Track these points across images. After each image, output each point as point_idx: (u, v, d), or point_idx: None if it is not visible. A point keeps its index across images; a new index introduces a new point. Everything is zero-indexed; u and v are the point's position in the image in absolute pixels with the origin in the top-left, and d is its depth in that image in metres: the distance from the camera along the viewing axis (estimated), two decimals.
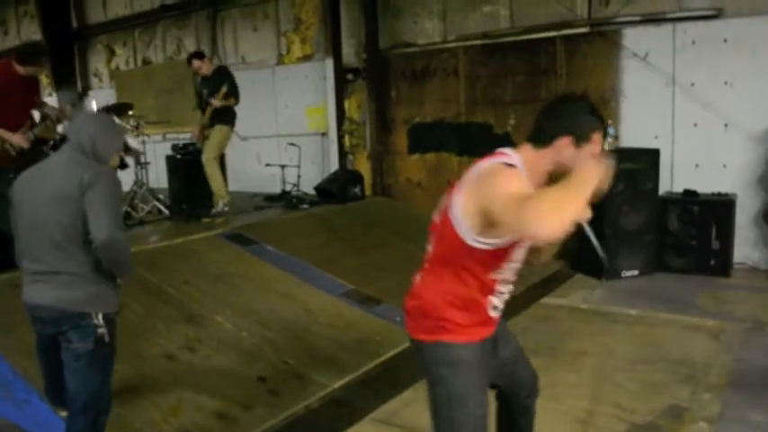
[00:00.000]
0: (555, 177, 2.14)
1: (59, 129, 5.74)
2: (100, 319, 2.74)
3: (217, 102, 7.20)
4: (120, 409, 3.26)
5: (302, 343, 4.76)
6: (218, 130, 7.39)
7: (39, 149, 5.36)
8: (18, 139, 5.29)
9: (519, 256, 2.28)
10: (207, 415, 3.75)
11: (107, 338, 2.77)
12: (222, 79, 7.30)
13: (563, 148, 2.14)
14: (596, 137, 2.16)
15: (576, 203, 1.80)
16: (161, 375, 4.03)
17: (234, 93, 7.36)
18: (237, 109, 7.53)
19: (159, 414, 3.68)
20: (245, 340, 4.67)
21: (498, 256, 2.19)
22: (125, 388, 3.61)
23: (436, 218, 2.30)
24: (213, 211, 7.46)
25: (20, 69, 5.40)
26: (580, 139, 2.14)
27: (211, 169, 7.38)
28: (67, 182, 2.70)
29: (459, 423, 2.25)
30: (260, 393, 4.06)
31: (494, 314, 2.33)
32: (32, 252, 2.78)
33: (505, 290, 2.35)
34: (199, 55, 7.64)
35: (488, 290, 2.28)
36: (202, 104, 7.55)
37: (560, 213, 1.72)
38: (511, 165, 2.11)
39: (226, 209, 7.50)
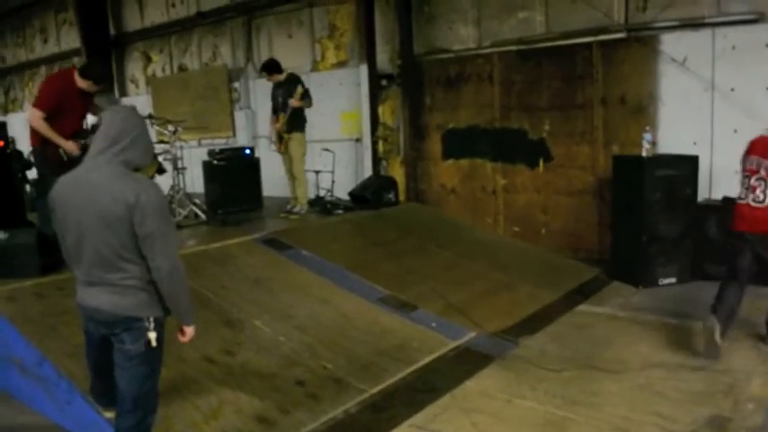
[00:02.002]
0: None
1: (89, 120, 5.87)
2: (151, 323, 2.83)
3: (295, 101, 7.74)
4: (163, 410, 3.31)
5: (339, 348, 4.79)
6: (297, 141, 7.96)
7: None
8: (70, 146, 5.40)
9: None
10: (246, 418, 3.80)
11: (157, 342, 2.86)
12: (297, 83, 7.92)
13: None
14: None
15: None
16: (202, 378, 4.10)
17: (307, 95, 7.91)
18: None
19: (200, 416, 3.74)
20: (284, 344, 4.72)
21: None
22: (167, 390, 3.66)
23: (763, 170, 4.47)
24: (294, 209, 8.12)
25: (80, 83, 5.49)
26: None
27: (302, 178, 8.12)
28: (114, 203, 2.68)
29: None
30: (298, 397, 4.10)
31: None
32: (82, 264, 2.82)
33: None
34: (269, 69, 8.12)
35: None
36: (278, 108, 8.02)
37: None
38: None
39: (302, 211, 8.15)
